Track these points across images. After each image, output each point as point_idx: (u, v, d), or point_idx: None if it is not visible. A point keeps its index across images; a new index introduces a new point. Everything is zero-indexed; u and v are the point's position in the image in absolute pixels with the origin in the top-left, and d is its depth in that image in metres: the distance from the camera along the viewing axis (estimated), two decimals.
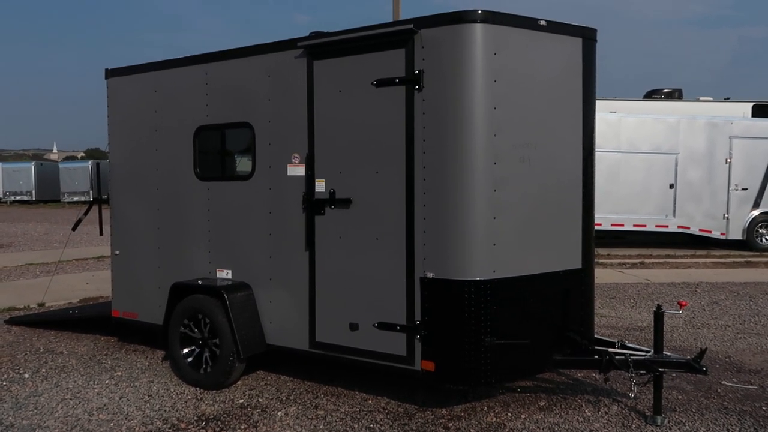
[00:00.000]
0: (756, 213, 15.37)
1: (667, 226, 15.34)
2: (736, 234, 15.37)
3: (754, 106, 17.82)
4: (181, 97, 5.92)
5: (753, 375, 5.84)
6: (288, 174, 5.16)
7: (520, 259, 4.56)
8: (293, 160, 5.14)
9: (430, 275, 4.49)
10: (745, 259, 13.87)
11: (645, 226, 15.34)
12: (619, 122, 15.16)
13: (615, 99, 17.47)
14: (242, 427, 4.59)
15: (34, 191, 40.68)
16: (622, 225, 15.27)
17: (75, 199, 38.06)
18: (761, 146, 15.28)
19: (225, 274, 5.59)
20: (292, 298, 5.18)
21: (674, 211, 15.28)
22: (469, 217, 4.38)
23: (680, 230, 15.36)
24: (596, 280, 9.50)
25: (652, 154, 15.15)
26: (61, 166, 43.21)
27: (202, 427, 4.56)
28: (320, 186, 4.99)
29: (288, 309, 5.21)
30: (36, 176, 40.70)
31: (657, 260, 13.74)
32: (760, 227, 15.44)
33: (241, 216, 5.49)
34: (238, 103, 5.52)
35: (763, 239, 15.45)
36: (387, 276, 4.68)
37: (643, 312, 8.65)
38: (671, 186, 15.25)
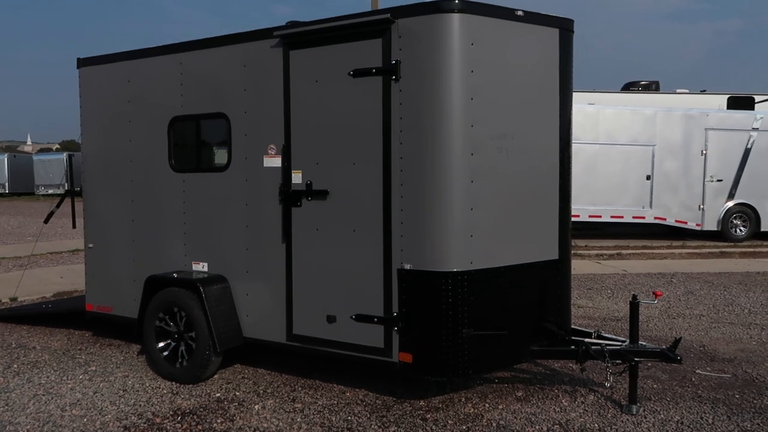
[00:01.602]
0: (730, 204, 15.59)
1: (644, 218, 15.50)
2: (711, 225, 15.58)
3: (729, 99, 18.06)
4: (155, 87, 5.82)
5: (726, 364, 5.92)
6: (264, 165, 5.11)
7: (497, 250, 4.55)
8: (269, 152, 5.08)
9: (407, 267, 4.47)
10: (719, 250, 14.07)
11: (622, 217, 15.49)
12: (597, 114, 15.27)
13: (593, 91, 17.59)
14: (219, 420, 4.54)
15: (7, 184, 40.01)
16: (600, 216, 15.40)
17: (50, 191, 37.50)
18: (736, 138, 15.48)
19: (201, 266, 5.52)
20: (269, 290, 5.13)
21: (651, 203, 15.44)
22: (447, 209, 4.37)
23: (657, 221, 15.53)
24: (574, 271, 9.58)
25: (629, 146, 15.28)
26: (35, 158, 42.53)
27: (178, 422, 4.51)
28: (297, 177, 4.95)
29: (265, 302, 5.17)
30: (9, 168, 40.01)
31: (634, 251, 13.89)
32: (735, 218, 15.66)
33: (217, 208, 5.42)
34: (214, 93, 5.44)
35: (738, 230, 15.68)
36: (364, 268, 4.66)
37: (619, 302, 8.73)
38: (648, 177, 15.40)
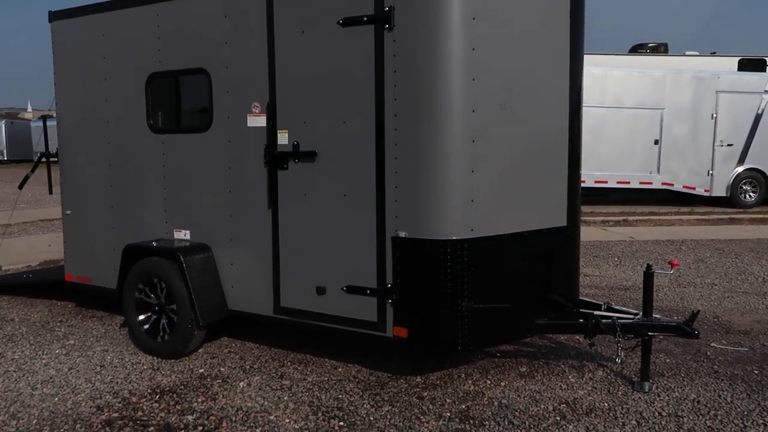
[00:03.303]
0: (740, 169, 15.15)
1: (651, 183, 15.09)
2: (720, 191, 15.17)
3: (740, 61, 17.46)
4: (131, 42, 5.39)
5: (743, 336, 5.59)
6: (248, 125, 4.71)
7: (500, 217, 4.17)
8: (253, 110, 4.68)
9: (402, 234, 4.10)
10: (729, 216, 13.68)
11: (629, 183, 15.08)
12: (605, 77, 14.74)
13: (600, 53, 17.00)
14: (200, 399, 4.23)
15: (5, 150, 39.55)
16: (606, 182, 14.99)
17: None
18: (747, 101, 14.97)
19: (183, 234, 5.16)
20: (255, 260, 4.78)
21: (658, 168, 15.01)
22: (445, 171, 3.98)
23: (664, 187, 15.12)
24: (581, 238, 9.16)
25: (637, 110, 14.80)
26: (32, 124, 41.95)
27: (156, 401, 4.19)
28: (283, 138, 4.55)
29: (250, 272, 4.82)
30: (7, 135, 39.51)
31: (641, 217, 13.50)
32: (744, 184, 15.24)
33: (198, 171, 5.04)
34: (193, 47, 5.01)
35: (747, 196, 15.27)
36: (356, 236, 4.29)
37: (627, 270, 8.38)
38: (656, 142, 14.95)
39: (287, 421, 3.94)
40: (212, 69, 4.88)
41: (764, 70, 16.58)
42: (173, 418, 3.93)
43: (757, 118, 15.01)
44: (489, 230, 4.11)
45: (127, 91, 5.42)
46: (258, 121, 4.64)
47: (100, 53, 5.58)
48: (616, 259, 9.19)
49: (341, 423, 3.92)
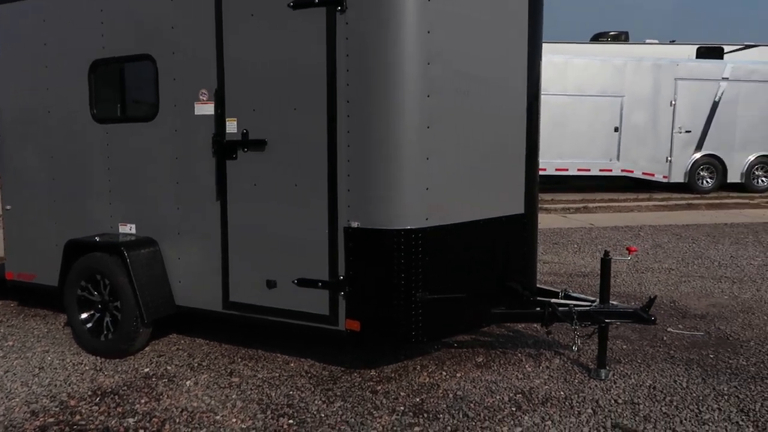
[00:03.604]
0: (698, 155, 15.38)
1: (611, 170, 15.24)
2: (678, 177, 15.39)
3: (698, 49, 17.69)
4: (73, 28, 5.12)
5: (699, 320, 5.61)
6: (195, 113, 4.51)
7: (456, 205, 4.07)
8: (201, 97, 4.49)
9: (354, 225, 3.98)
10: (686, 202, 13.89)
11: (589, 170, 15.20)
12: (566, 65, 14.79)
13: (562, 42, 17.06)
14: (142, 401, 4.05)
15: None
16: (567, 169, 15.09)
17: None
18: (706, 88, 15.18)
19: (128, 228, 4.95)
20: (203, 253, 4.60)
21: (618, 155, 15.16)
22: (399, 158, 3.86)
23: (624, 174, 15.28)
24: (540, 226, 9.15)
25: (598, 98, 14.90)
26: None
27: (96, 403, 4.00)
28: (231, 126, 4.37)
29: (199, 266, 4.64)
30: None
31: (600, 204, 13.62)
32: (702, 170, 15.49)
33: (144, 162, 4.82)
34: (138, 32, 4.78)
35: (704, 182, 15.52)
36: (307, 227, 4.15)
37: (586, 257, 8.40)
38: (616, 129, 15.08)
39: (234, 420, 3.80)
40: (158, 55, 4.66)
41: (722, 58, 16.84)
42: (113, 422, 3.75)
43: (715, 105, 15.25)
44: (444, 219, 4.01)
45: (70, 79, 5.16)
46: (206, 109, 4.46)
47: (40, 40, 5.30)
48: (575, 245, 9.22)
49: (291, 421, 3.79)
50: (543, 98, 4.92)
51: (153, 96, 4.69)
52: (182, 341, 5.14)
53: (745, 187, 15.47)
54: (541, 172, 15.70)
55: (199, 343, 5.10)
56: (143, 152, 4.82)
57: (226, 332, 5.15)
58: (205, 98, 4.45)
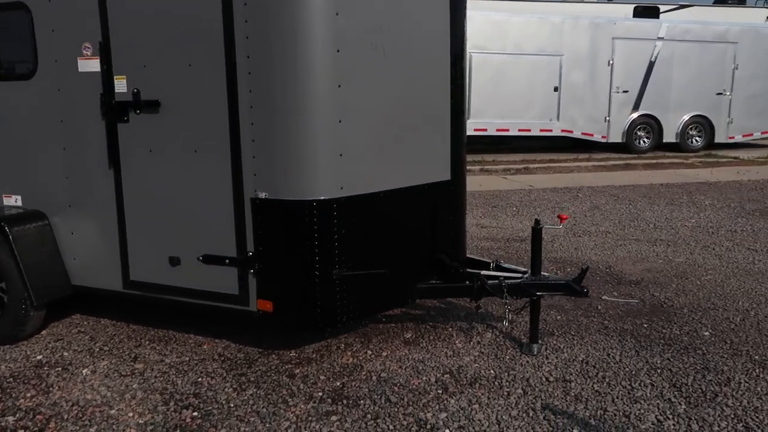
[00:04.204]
0: (635, 115, 15.41)
1: (551, 131, 15.13)
2: (616, 137, 15.42)
3: (635, 8, 17.63)
4: None
5: (633, 287, 5.47)
6: (79, 70, 3.98)
7: (374, 172, 3.71)
8: (84, 52, 3.95)
9: (262, 195, 3.57)
10: (624, 162, 13.92)
11: (530, 130, 15.05)
12: (505, 22, 14.46)
13: None
14: (29, 394, 3.61)
15: None
16: (507, 130, 14.90)
17: None
18: (642, 48, 15.13)
19: (13, 200, 4.40)
20: (99, 228, 4.12)
21: (558, 115, 15.05)
22: (307, 121, 3.45)
23: (564, 134, 15.20)
24: (480, 188, 8.80)
25: (536, 56, 14.65)
26: None
27: None
28: (120, 85, 3.86)
29: (94, 242, 4.16)
30: None
31: (541, 165, 13.52)
32: (639, 130, 15.55)
33: (26, 126, 4.26)
34: None
35: (641, 141, 15.60)
36: (210, 198, 3.72)
37: (524, 220, 8.21)
38: (555, 89, 14.93)
39: (131, 415, 3.41)
40: (33, 3, 4.07)
41: (658, 17, 16.82)
42: None
43: (651, 64, 15.24)
44: (361, 188, 3.64)
45: None
46: (91, 65, 3.93)
47: None
48: (514, 208, 9.02)
49: (195, 413, 3.42)
50: (482, 57, 4.73)
51: (30, 50, 4.11)
52: (85, 323, 4.67)
53: (680, 146, 15.63)
54: (481, 133, 15.41)
55: (105, 324, 4.65)
56: (24, 115, 4.25)
57: (137, 311, 4.70)
58: (88, 53, 3.91)
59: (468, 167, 12.90)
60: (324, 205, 3.50)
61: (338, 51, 3.45)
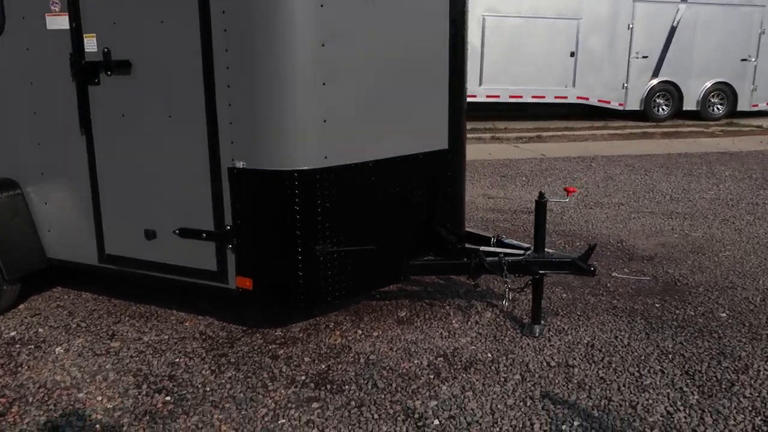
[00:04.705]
0: (654, 82, 14.84)
1: (566, 98, 14.61)
2: (634, 104, 14.88)
3: None
4: None
5: (646, 263, 5.15)
6: (48, 27, 3.68)
7: (362, 140, 3.40)
8: (52, 8, 3.65)
9: (240, 165, 3.29)
10: (641, 130, 13.44)
11: (544, 97, 14.54)
12: None
13: None
14: None
15: None
16: (521, 97, 14.41)
17: None
18: (664, 11, 14.49)
19: None
20: (72, 198, 3.88)
21: (574, 82, 14.51)
22: (287, 83, 3.14)
23: (580, 101, 14.68)
24: (490, 157, 8.42)
25: (553, 20, 14.08)
26: None
27: None
28: (90, 44, 3.57)
29: (69, 213, 3.92)
30: None
31: (555, 133, 13.08)
32: (658, 97, 14.99)
33: None
34: None
35: (660, 109, 15.06)
36: (186, 167, 3.45)
37: (534, 191, 7.85)
38: (572, 54, 14.37)
39: (99, 398, 3.19)
40: None
41: None
42: None
43: (673, 29, 14.60)
44: (348, 157, 3.34)
45: None
46: (59, 21, 3.63)
47: None
48: (524, 178, 8.68)
49: (167, 398, 3.20)
50: (496, 20, 4.41)
51: None
52: (66, 296, 4.47)
53: (700, 114, 15.08)
54: (494, 99, 14.86)
55: (85, 298, 4.43)
56: None
57: (120, 285, 4.48)
58: (56, 8, 3.61)
59: (479, 135, 12.52)
60: (306, 176, 3.21)
61: (322, 5, 3.12)
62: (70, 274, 4.44)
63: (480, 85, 14.12)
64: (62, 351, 3.68)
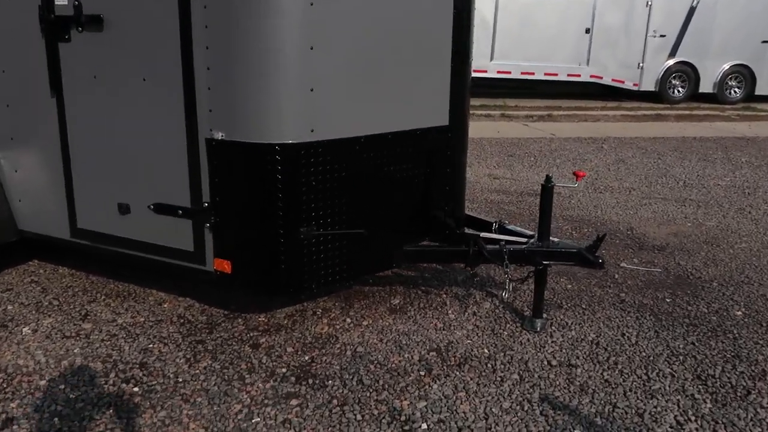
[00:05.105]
0: (671, 62, 14.39)
1: (579, 76, 14.19)
2: (649, 85, 14.45)
3: None
4: None
5: (657, 253, 4.86)
6: None
7: (353, 113, 3.10)
8: None
9: (218, 136, 2.99)
10: (655, 112, 13.04)
11: (557, 75, 14.12)
12: None
13: None
14: None
15: None
16: (533, 74, 14.00)
17: None
18: None
19: None
20: (43, 166, 3.60)
21: (588, 60, 14.08)
22: (271, 48, 2.83)
23: (593, 80, 14.26)
24: (498, 135, 8.05)
25: None
26: None
27: None
28: None
29: (40, 182, 3.65)
30: None
31: (566, 112, 12.69)
32: (674, 78, 14.54)
33: None
34: None
35: (676, 91, 14.62)
36: (162, 136, 3.15)
37: (542, 172, 7.55)
38: (587, 31, 13.92)
39: (62, 386, 2.95)
40: None
41: None
42: None
43: (692, 9, 14.10)
44: (337, 131, 3.04)
45: None
46: None
47: None
48: (532, 158, 8.36)
49: (135, 389, 2.95)
50: None
51: None
52: (41, 270, 4.22)
53: (716, 97, 14.63)
54: (505, 76, 14.42)
55: (62, 273, 4.18)
56: None
57: (100, 260, 4.22)
58: None
59: (488, 112, 12.11)
60: (290, 150, 2.92)
61: None
62: (46, 247, 4.19)
63: (491, 60, 13.71)
64: (29, 332, 3.43)
